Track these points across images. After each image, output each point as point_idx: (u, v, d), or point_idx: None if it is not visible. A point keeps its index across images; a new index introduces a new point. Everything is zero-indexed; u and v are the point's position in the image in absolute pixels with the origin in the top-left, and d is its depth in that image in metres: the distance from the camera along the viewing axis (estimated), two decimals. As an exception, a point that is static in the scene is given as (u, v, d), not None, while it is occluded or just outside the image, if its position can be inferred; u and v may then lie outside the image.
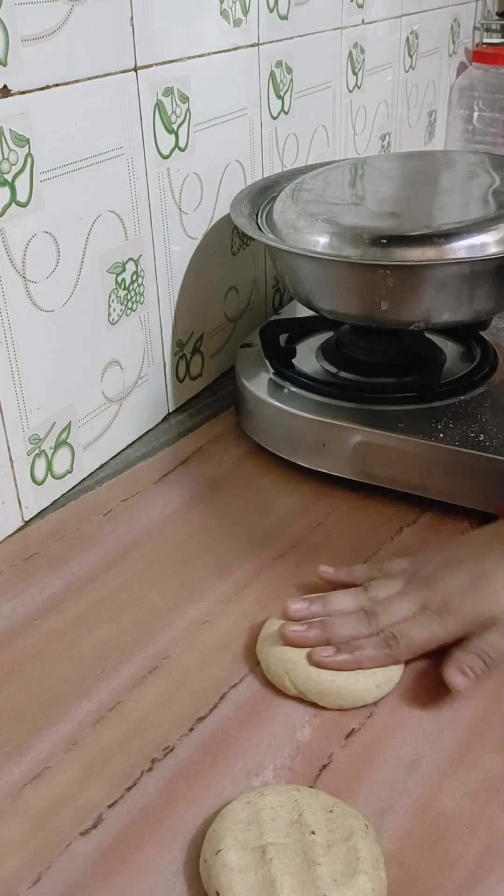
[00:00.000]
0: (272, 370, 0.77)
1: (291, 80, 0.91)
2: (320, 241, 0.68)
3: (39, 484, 0.69)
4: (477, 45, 1.48)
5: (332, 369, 0.77)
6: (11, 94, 0.57)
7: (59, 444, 0.70)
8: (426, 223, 0.69)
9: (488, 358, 0.77)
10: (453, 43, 1.41)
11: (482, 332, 0.80)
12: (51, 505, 0.71)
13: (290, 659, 0.53)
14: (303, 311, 0.86)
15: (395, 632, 0.52)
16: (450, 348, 0.79)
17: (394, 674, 0.53)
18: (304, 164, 0.96)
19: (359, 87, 1.09)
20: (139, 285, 0.75)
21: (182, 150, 0.75)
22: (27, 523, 0.69)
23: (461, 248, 0.65)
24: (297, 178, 0.85)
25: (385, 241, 0.66)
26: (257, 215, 0.77)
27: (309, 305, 0.75)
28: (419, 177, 0.84)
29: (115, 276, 0.71)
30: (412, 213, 0.75)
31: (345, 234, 0.68)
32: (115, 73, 0.66)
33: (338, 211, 0.72)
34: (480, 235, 0.66)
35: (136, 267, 0.74)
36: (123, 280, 0.72)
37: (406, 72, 1.24)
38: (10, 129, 0.57)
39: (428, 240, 0.66)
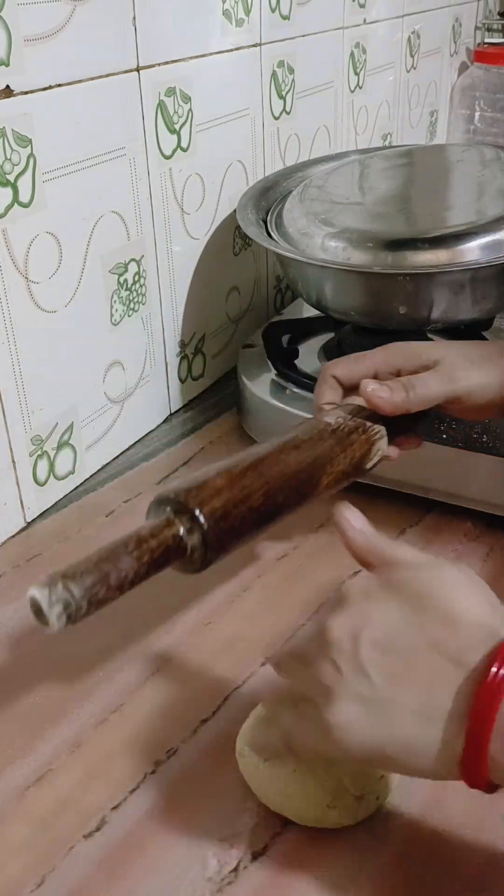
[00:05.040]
0: (274, 371, 0.76)
1: (293, 80, 0.91)
2: (336, 248, 0.68)
3: (42, 485, 0.69)
4: (478, 44, 1.48)
5: (335, 370, 0.77)
6: (14, 95, 0.57)
7: (61, 445, 0.70)
8: (443, 223, 0.69)
9: (491, 358, 0.76)
10: (455, 43, 1.41)
11: (484, 333, 0.80)
12: (53, 506, 0.70)
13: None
14: (305, 312, 0.86)
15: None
16: (452, 349, 0.79)
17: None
18: (303, 161, 0.96)
19: (360, 88, 1.09)
20: (141, 286, 0.74)
21: (184, 150, 0.75)
22: (29, 524, 0.68)
23: (479, 249, 0.66)
24: (298, 176, 0.85)
25: (403, 246, 0.66)
26: (265, 220, 0.77)
27: (321, 309, 0.75)
28: (431, 172, 0.84)
29: (117, 276, 0.71)
30: (428, 212, 0.75)
31: (361, 240, 0.68)
32: (118, 74, 0.66)
33: (350, 214, 0.72)
34: (497, 234, 0.66)
35: (139, 267, 0.73)
36: (125, 280, 0.72)
37: (407, 72, 1.23)
38: (12, 130, 0.57)
39: (446, 242, 0.66)
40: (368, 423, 0.53)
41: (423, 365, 0.55)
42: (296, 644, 0.43)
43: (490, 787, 0.37)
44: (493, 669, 0.35)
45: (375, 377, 0.55)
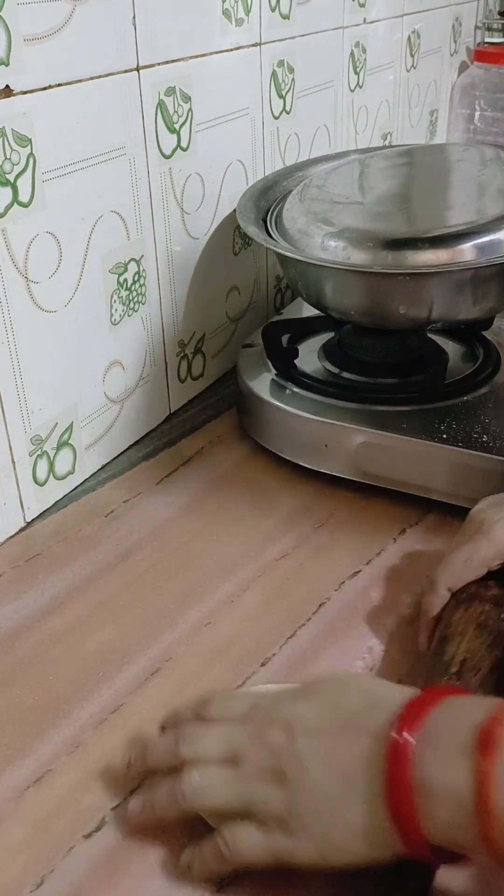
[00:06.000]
0: (274, 370, 0.76)
1: (293, 79, 0.91)
2: (336, 248, 0.68)
3: (41, 485, 0.69)
4: (478, 44, 1.48)
5: (335, 370, 0.77)
6: (13, 94, 0.57)
7: (60, 445, 0.70)
8: (443, 223, 0.69)
9: (491, 358, 0.76)
10: (455, 42, 1.41)
11: (484, 332, 0.80)
12: (53, 506, 0.70)
13: None
14: (305, 312, 0.86)
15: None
16: (451, 348, 0.78)
17: None
18: (303, 160, 0.95)
19: (360, 87, 1.08)
20: (141, 285, 0.74)
21: (184, 149, 0.75)
22: (29, 524, 0.68)
23: (479, 249, 0.66)
24: (298, 175, 0.85)
25: (403, 246, 0.66)
26: (265, 220, 0.77)
27: (321, 308, 0.75)
28: (431, 172, 0.84)
29: (116, 276, 0.71)
30: (428, 212, 0.75)
31: (361, 240, 0.68)
32: (117, 73, 0.66)
33: (350, 214, 0.72)
34: (497, 234, 0.66)
35: (138, 267, 0.73)
36: (125, 280, 0.72)
37: (407, 71, 1.23)
38: (12, 129, 0.57)
39: (446, 242, 0.66)
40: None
41: None
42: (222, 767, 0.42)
43: (436, 855, 0.36)
44: (394, 735, 0.37)
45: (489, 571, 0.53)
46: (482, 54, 1.42)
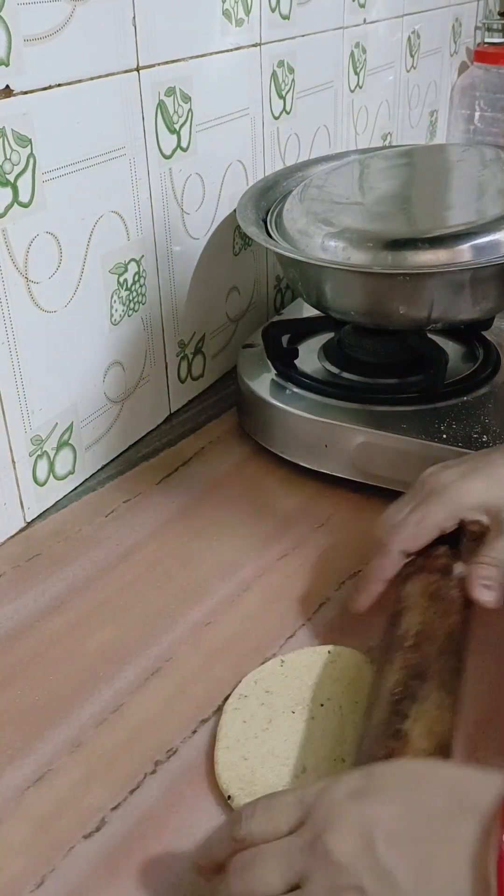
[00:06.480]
0: (274, 371, 0.76)
1: (293, 79, 0.91)
2: (336, 248, 0.68)
3: (41, 485, 0.69)
4: (478, 44, 1.48)
5: (335, 370, 0.77)
6: (14, 95, 0.57)
7: (60, 445, 0.70)
8: (443, 223, 0.69)
9: (491, 358, 0.77)
10: (455, 42, 1.41)
11: (484, 332, 0.80)
12: (53, 506, 0.70)
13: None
14: (305, 312, 0.86)
15: None
16: (451, 348, 0.78)
17: None
18: (303, 161, 0.95)
19: (360, 87, 1.09)
20: (141, 286, 0.74)
21: (184, 150, 0.75)
22: (29, 524, 0.68)
23: (480, 249, 0.66)
24: (298, 176, 0.85)
25: (403, 246, 0.66)
26: (265, 220, 0.77)
27: (321, 308, 0.75)
28: (431, 172, 0.84)
29: (117, 276, 0.71)
30: (428, 212, 0.75)
31: (361, 240, 0.68)
32: (118, 73, 0.66)
33: (350, 214, 0.72)
34: (497, 234, 0.66)
35: (138, 267, 0.73)
36: (125, 280, 0.72)
37: (407, 71, 1.23)
38: (12, 130, 0.57)
39: (446, 242, 0.66)
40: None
41: (485, 509, 0.52)
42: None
43: None
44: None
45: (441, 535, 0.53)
46: (482, 55, 1.42)
